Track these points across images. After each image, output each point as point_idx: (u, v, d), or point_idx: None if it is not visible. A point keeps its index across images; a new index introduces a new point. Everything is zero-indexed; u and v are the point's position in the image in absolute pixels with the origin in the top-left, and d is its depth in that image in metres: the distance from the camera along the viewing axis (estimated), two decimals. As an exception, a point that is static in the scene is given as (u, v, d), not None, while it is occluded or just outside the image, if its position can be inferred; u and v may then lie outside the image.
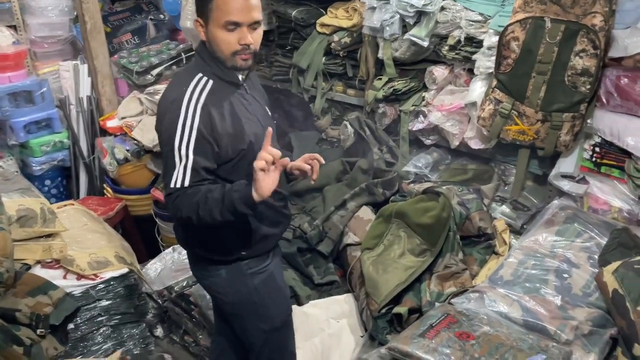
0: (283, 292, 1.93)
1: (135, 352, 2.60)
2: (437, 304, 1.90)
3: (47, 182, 3.84)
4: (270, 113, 1.90)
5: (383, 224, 2.22)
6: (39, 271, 2.31)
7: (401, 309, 1.95)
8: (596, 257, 1.85)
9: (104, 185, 3.66)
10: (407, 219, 2.16)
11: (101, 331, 2.47)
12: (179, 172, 1.62)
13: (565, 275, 1.79)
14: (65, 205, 3.00)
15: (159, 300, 3.06)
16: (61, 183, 3.91)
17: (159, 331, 3.17)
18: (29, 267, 2.27)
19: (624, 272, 1.65)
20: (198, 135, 1.61)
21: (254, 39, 1.64)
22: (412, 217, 2.15)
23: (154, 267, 3.03)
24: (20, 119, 3.57)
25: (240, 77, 1.73)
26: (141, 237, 3.59)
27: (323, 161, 1.73)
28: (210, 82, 1.66)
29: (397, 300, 2.03)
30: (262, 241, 1.80)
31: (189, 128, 1.60)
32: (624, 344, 1.61)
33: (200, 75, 1.66)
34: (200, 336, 2.90)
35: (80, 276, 2.38)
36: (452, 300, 1.83)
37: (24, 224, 2.32)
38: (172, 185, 1.63)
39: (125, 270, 2.48)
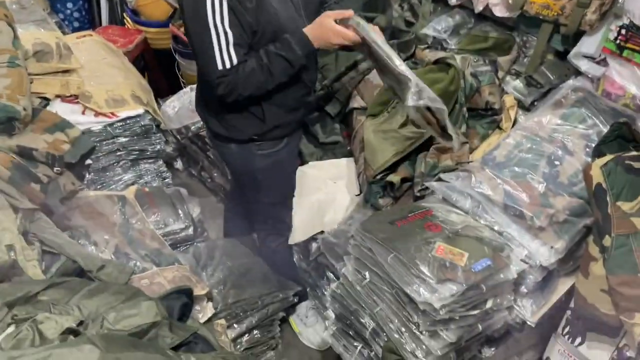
0: (288, 176, 2.03)
1: (154, 184, 2.81)
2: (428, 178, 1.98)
3: (69, 4, 3.81)
4: None
5: (389, 91, 2.21)
6: (58, 105, 2.43)
7: (394, 178, 2.04)
8: (593, 145, 1.85)
9: (124, 15, 3.61)
10: (414, 89, 2.14)
11: (121, 164, 2.66)
12: (222, 51, 1.57)
13: (557, 163, 1.81)
14: (84, 36, 3.02)
15: (177, 136, 3.22)
16: (83, 7, 3.87)
17: (178, 164, 3.40)
18: (48, 102, 2.38)
19: (612, 166, 1.67)
20: (229, 8, 1.54)
21: None
22: (418, 87, 2.12)
23: (172, 105, 3.13)
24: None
25: None
26: (162, 72, 3.64)
27: None
28: None
29: (393, 168, 2.10)
30: (276, 128, 1.85)
31: (219, 2, 1.53)
32: (597, 233, 1.70)
33: None
34: (215, 174, 3.11)
35: (97, 113, 2.50)
36: (442, 176, 1.89)
37: (40, 59, 2.38)
38: (220, 67, 1.59)
39: (140, 110, 2.58)
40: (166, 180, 2.84)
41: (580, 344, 1.97)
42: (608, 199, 1.64)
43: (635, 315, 1.60)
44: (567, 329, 2.01)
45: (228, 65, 1.58)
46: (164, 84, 3.65)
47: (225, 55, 1.57)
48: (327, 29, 1.65)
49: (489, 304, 1.61)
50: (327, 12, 1.69)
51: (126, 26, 3.61)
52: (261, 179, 1.97)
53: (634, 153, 1.70)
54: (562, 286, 1.82)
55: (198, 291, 1.92)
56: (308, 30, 1.68)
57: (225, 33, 1.55)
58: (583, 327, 1.95)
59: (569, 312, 1.97)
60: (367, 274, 1.69)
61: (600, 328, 1.82)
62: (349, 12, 1.66)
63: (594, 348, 1.93)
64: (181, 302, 1.77)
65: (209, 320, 1.98)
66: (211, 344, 1.70)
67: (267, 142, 1.91)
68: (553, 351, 2.08)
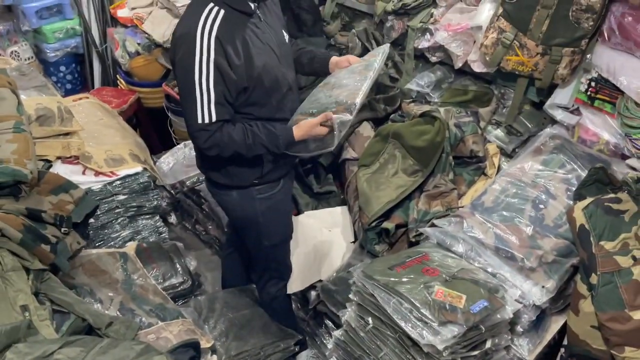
0: (286, 216, 2.14)
1: (151, 240, 2.86)
2: (421, 223, 2.08)
3: (62, 67, 3.93)
4: (287, 38, 1.95)
5: (380, 142, 2.34)
6: (59, 167, 2.50)
7: (389, 225, 2.13)
8: (574, 189, 1.98)
9: (117, 77, 3.74)
10: (403, 141, 2.28)
11: (119, 221, 2.71)
12: (204, 107, 1.71)
13: (541, 206, 1.93)
14: (80, 99, 3.12)
15: (172, 191, 3.29)
16: (75, 69, 4.00)
17: (172, 218, 3.45)
18: (50, 164, 2.45)
19: (593, 208, 1.79)
20: (215, 68, 1.68)
21: None
22: (407, 139, 2.26)
23: (166, 161, 3.22)
24: (31, 4, 3.59)
25: (252, 5, 1.75)
26: (155, 130, 3.75)
27: None
28: (222, 11, 1.69)
29: (387, 215, 2.20)
30: (274, 171, 1.96)
31: (206, 61, 1.66)
32: (583, 272, 1.80)
33: (211, 5, 1.69)
34: (210, 226, 3.17)
35: (97, 172, 2.57)
36: (435, 222, 2.00)
37: (42, 123, 2.47)
38: (199, 121, 1.73)
39: (139, 168, 2.66)
40: (163, 235, 2.89)
41: (575, 380, 2.05)
42: (591, 239, 1.76)
43: (625, 349, 1.69)
44: (561, 366, 2.09)
45: (207, 120, 1.73)
46: (156, 140, 3.74)
47: (206, 111, 1.72)
48: (312, 132, 1.85)
49: (488, 344, 1.68)
50: (311, 120, 1.85)
51: (119, 87, 3.73)
52: (262, 222, 2.05)
53: (612, 195, 1.83)
54: (555, 324, 1.91)
55: (203, 344, 1.96)
56: (296, 130, 1.86)
57: (209, 91, 1.70)
58: (577, 364, 2.03)
59: (562, 350, 2.05)
60: (370, 319, 1.76)
61: (592, 363, 1.90)
62: (330, 115, 1.82)
63: (588, 384, 2.01)
64: (189, 355, 1.82)
65: (214, 372, 2.01)
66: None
67: (265, 184, 2.01)
68: (549, 389, 2.15)
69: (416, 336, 1.58)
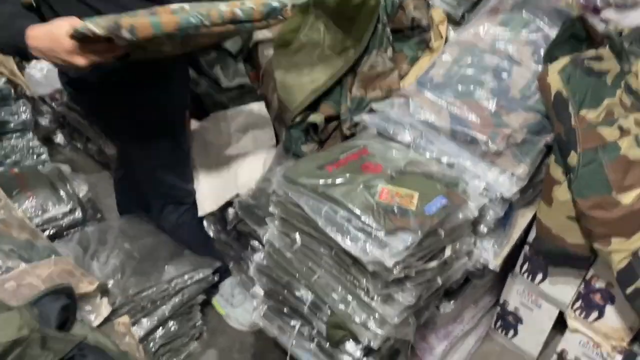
0: (166, 124, 1.61)
1: (27, 164, 2.31)
2: (356, 112, 1.64)
3: None
4: None
5: (299, 15, 1.82)
6: None
7: (317, 118, 1.69)
8: (542, 52, 1.58)
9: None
10: (328, 9, 1.77)
11: (-22, 145, 2.14)
12: None
13: (504, 75, 1.53)
14: None
15: (52, 105, 2.69)
16: None
17: (59, 138, 2.88)
18: None
19: (571, 69, 1.41)
20: None
21: None
22: (332, 6, 1.76)
23: (38, 67, 2.58)
24: None
25: None
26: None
27: None
28: None
29: (314, 106, 1.75)
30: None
31: None
32: (558, 151, 1.44)
33: None
34: (104, 144, 2.62)
35: None
36: (374, 106, 1.56)
37: None
38: None
39: (-10, 73, 2.05)
40: (41, 157, 2.35)
41: (541, 280, 1.77)
42: (570, 108, 1.38)
43: (611, 241, 1.37)
44: (525, 267, 1.80)
45: None
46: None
47: None
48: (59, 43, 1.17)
49: (448, 252, 1.32)
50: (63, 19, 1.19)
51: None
52: (133, 133, 1.54)
53: (593, 52, 1.44)
54: (523, 219, 1.57)
55: (85, 287, 1.50)
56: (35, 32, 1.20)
57: None
58: (544, 263, 1.74)
59: (527, 248, 1.75)
60: (297, 236, 1.34)
61: (565, 261, 1.60)
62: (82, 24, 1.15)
63: (557, 283, 1.74)
64: (60, 304, 1.36)
65: (108, 319, 1.58)
66: (107, 353, 1.31)
67: (130, 81, 1.48)
68: (511, 292, 1.87)
69: (357, 252, 1.18)
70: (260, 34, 1.97)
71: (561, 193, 1.44)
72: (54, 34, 1.16)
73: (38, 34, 1.18)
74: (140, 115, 1.56)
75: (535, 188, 1.54)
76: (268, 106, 1.95)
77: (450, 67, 1.58)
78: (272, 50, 1.90)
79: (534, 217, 1.58)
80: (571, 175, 1.40)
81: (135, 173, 1.73)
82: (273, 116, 1.91)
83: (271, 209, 1.40)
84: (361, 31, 1.78)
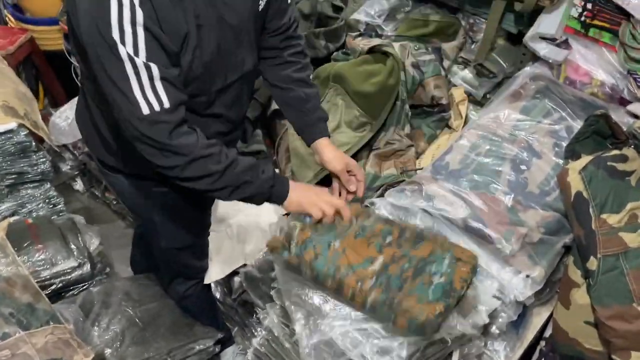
0: (191, 221, 1.57)
1: (42, 213, 2.31)
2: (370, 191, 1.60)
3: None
4: (261, 6, 1.24)
5: (320, 88, 1.82)
6: None
7: (327, 194, 1.65)
8: (564, 144, 1.53)
9: (6, 12, 3.06)
10: (347, 85, 1.77)
11: (-5, 191, 2.16)
12: (145, 89, 1.04)
13: (523, 167, 1.48)
14: (-51, 38, 2.48)
15: (75, 152, 2.72)
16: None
17: (78, 185, 2.89)
18: None
19: (593, 170, 1.35)
20: (147, 33, 1.02)
21: None
22: (352, 83, 1.75)
23: (63, 116, 2.62)
24: None
25: None
26: (57, 77, 3.11)
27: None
28: None
29: (326, 181, 1.72)
30: None
31: (130, 23, 1.01)
32: (577, 254, 1.37)
33: None
34: (121, 195, 2.62)
35: (-45, 131, 1.99)
36: (387, 195, 1.50)
37: None
38: (145, 111, 1.04)
39: (12, 125, 2.07)
40: (58, 207, 2.33)
41: (557, 378, 1.66)
42: (591, 211, 1.32)
43: (632, 355, 1.28)
44: (541, 363, 1.70)
45: (157, 108, 1.06)
46: (61, 91, 3.12)
47: (150, 93, 1.06)
48: (320, 194, 1.30)
49: (455, 357, 1.25)
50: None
51: (8, 25, 3.05)
52: (158, 221, 1.50)
53: (616, 152, 1.38)
54: (538, 319, 1.49)
55: (80, 359, 1.47)
56: (295, 189, 1.27)
57: (147, 66, 1.03)
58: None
59: (542, 343, 1.65)
60: (297, 327, 1.29)
61: (583, 364, 1.51)
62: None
63: (574, 383, 1.63)
64: (50, 382, 1.32)
65: (101, 391, 1.54)
66: None
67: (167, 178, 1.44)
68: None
69: (356, 356, 1.12)
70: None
71: (580, 296, 1.37)
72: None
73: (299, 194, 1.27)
74: (181, 205, 1.50)
75: (553, 287, 1.46)
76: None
77: (467, 154, 1.53)
78: (289, 120, 1.89)
79: (550, 315, 1.50)
80: (590, 280, 1.32)
81: (153, 246, 1.69)
82: (286, 186, 1.88)
83: (273, 293, 1.36)
84: (379, 107, 1.76)
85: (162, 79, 1.05)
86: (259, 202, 1.26)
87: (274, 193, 1.24)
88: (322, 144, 1.40)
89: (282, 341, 1.34)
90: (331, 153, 1.39)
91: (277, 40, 1.36)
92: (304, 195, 1.27)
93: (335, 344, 1.13)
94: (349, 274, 1.18)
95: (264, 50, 1.36)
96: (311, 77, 1.43)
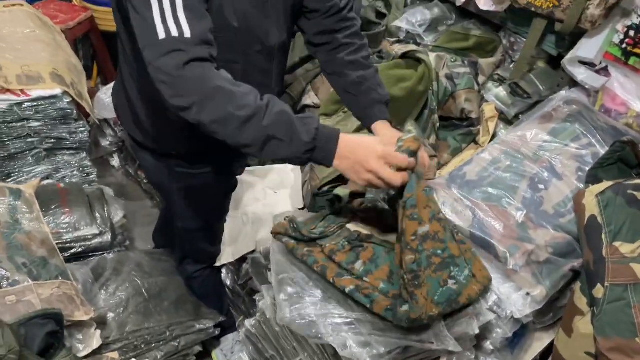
0: (210, 203, 1.60)
1: (74, 180, 2.40)
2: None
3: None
4: None
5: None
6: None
7: (342, 191, 1.65)
8: (587, 169, 1.48)
9: (72, -10, 3.22)
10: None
11: (34, 153, 2.25)
12: (165, 14, 1.01)
13: (541, 187, 1.44)
14: (13, 5, 2.62)
15: (115, 128, 2.82)
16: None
17: (115, 161, 2.99)
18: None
19: (611, 196, 1.31)
20: None
21: None
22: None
23: (109, 93, 2.72)
24: None
25: None
26: (112, 58, 3.25)
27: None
28: None
29: (343, 179, 1.72)
30: (208, 151, 1.40)
31: None
32: (585, 280, 1.33)
33: None
34: (153, 175, 2.70)
35: (5, 89, 2.10)
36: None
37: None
38: (162, 36, 1.00)
39: (57, 91, 2.17)
40: (90, 176, 2.42)
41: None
42: (603, 237, 1.27)
43: (628, 391, 1.22)
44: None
45: (175, 33, 1.00)
46: (112, 71, 3.25)
47: (171, 20, 1.02)
48: (368, 159, 1.07)
49: (442, 365, 1.22)
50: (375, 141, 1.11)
51: (73, 2, 3.22)
52: (176, 200, 1.55)
53: (639, 181, 1.34)
54: (538, 343, 1.44)
55: (80, 315, 1.51)
56: (343, 139, 1.09)
57: None
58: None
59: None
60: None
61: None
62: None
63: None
64: (46, 330, 1.37)
65: (97, 352, 1.57)
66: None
67: (188, 160, 1.48)
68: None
69: (338, 345, 1.12)
70: (309, 99, 1.99)
71: (583, 325, 1.32)
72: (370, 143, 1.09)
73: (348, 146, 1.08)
74: (200, 188, 1.54)
75: (557, 313, 1.41)
76: (301, 169, 1.94)
77: (487, 167, 1.51)
78: (317, 115, 1.91)
79: (552, 343, 1.45)
80: (595, 309, 1.27)
81: (173, 224, 1.74)
82: (303, 180, 1.90)
83: (268, 276, 1.37)
84: (406, 113, 1.76)
85: (186, 7, 1.01)
86: (296, 164, 1.16)
87: (313, 158, 1.08)
88: (379, 126, 1.31)
89: (272, 324, 1.34)
90: (387, 136, 1.27)
91: (331, 22, 1.34)
92: (347, 163, 1.08)
93: (316, 326, 1.12)
94: None
95: (320, 35, 1.36)
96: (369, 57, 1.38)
